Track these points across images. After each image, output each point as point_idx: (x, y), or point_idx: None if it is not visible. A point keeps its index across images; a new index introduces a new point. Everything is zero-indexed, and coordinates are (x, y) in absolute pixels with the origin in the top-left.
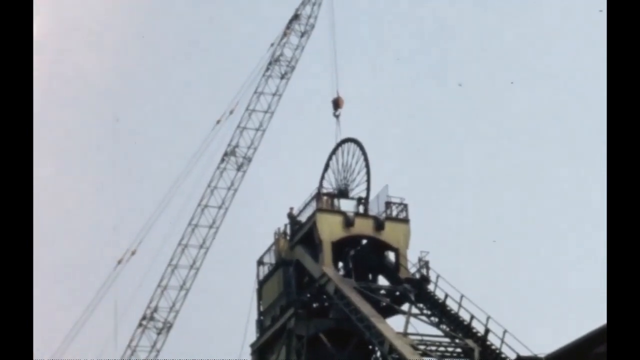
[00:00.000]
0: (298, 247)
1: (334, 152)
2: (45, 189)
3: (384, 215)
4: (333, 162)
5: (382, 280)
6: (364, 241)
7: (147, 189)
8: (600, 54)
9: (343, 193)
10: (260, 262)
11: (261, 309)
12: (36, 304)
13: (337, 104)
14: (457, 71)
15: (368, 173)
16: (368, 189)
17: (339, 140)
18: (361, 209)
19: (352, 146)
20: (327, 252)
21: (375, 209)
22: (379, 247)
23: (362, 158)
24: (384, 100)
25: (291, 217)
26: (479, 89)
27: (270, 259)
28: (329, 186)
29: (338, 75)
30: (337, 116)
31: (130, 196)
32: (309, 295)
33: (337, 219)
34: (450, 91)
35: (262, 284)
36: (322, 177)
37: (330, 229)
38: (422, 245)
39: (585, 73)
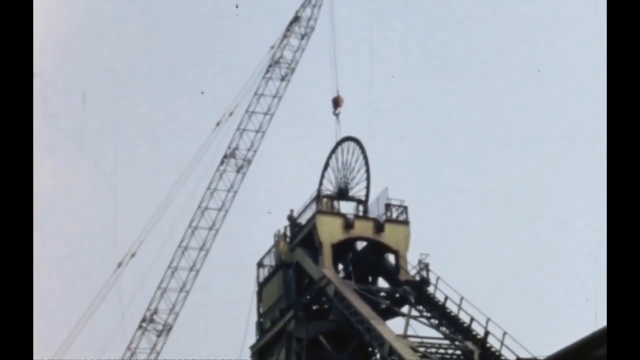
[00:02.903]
0: (298, 249)
1: (333, 151)
2: (45, 190)
3: (383, 217)
4: (333, 161)
5: (382, 283)
6: (364, 243)
7: (147, 191)
8: (600, 52)
9: (343, 192)
10: (260, 265)
11: (261, 311)
12: (36, 306)
13: (336, 102)
14: (460, 68)
15: (368, 172)
16: (368, 188)
17: (338, 139)
18: (361, 210)
19: (351, 145)
20: (327, 254)
21: (375, 211)
22: (379, 249)
23: (361, 157)
24: (385, 99)
25: (291, 219)
26: (484, 86)
27: (270, 261)
28: (330, 185)
29: (338, 74)
30: (337, 115)
31: (131, 198)
32: (308, 297)
33: (337, 221)
34: (452, 90)
35: (262, 286)
36: (322, 176)
37: (330, 231)
38: (422, 247)
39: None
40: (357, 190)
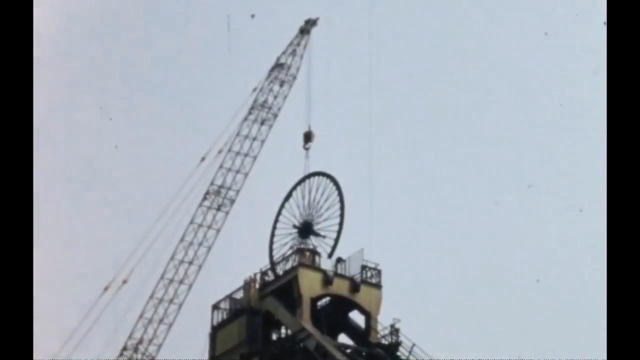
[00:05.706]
0: (270, 298)
1: (299, 183)
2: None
3: (359, 278)
4: (298, 194)
5: (343, 338)
6: (327, 299)
7: (133, 223)
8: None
9: (308, 226)
10: (215, 307)
11: (216, 353)
12: (36, 309)
13: (307, 137)
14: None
15: (342, 208)
16: (341, 224)
17: (307, 173)
18: (339, 268)
19: (323, 180)
20: (306, 308)
21: (349, 269)
22: (343, 306)
23: (335, 192)
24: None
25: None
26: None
27: (226, 305)
28: (292, 217)
29: (311, 109)
30: (307, 149)
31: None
32: (280, 348)
33: (318, 276)
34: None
35: (216, 329)
36: (282, 206)
37: (310, 285)
38: (393, 309)
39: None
40: (324, 227)
